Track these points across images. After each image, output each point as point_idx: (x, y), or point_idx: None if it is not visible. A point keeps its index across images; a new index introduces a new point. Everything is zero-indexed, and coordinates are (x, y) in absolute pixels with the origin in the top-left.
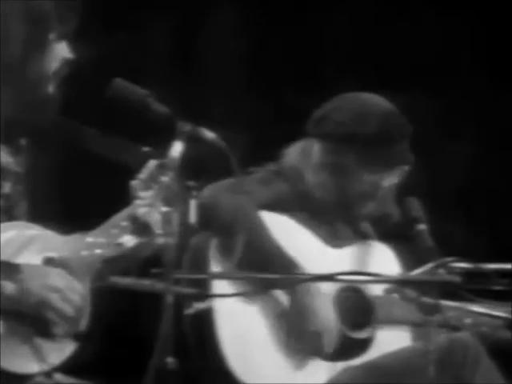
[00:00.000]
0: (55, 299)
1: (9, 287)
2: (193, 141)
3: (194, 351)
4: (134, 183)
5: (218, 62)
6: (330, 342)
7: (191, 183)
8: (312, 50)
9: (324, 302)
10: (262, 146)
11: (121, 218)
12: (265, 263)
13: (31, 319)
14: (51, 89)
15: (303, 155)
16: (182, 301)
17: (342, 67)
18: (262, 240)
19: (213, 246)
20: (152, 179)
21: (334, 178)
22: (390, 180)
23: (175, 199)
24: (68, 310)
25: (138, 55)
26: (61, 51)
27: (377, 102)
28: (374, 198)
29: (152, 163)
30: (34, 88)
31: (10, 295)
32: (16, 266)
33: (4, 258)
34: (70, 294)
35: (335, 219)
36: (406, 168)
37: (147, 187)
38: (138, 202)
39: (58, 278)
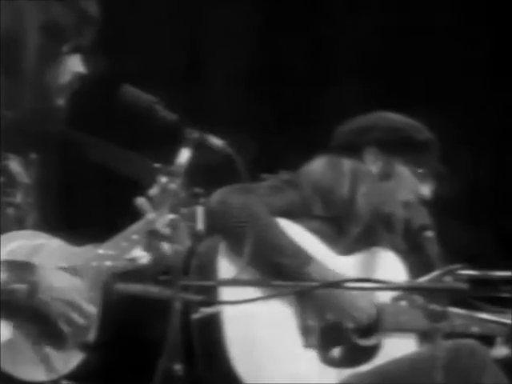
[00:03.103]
0: (70, 313)
1: (21, 291)
2: (200, 148)
3: (201, 356)
4: (140, 200)
5: (225, 69)
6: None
7: (198, 190)
8: (323, 59)
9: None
10: (269, 153)
11: (132, 232)
12: (278, 259)
13: (41, 328)
14: (61, 101)
15: (333, 169)
16: (189, 307)
17: (350, 75)
18: (274, 236)
19: (223, 247)
20: (163, 194)
21: (380, 187)
22: (427, 193)
23: (182, 206)
24: (82, 321)
25: (146, 63)
26: (73, 65)
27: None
28: (413, 207)
29: (162, 180)
30: (43, 99)
31: (22, 299)
32: (29, 265)
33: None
34: (84, 305)
35: (351, 230)
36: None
37: (158, 203)
38: (151, 216)
39: (74, 292)
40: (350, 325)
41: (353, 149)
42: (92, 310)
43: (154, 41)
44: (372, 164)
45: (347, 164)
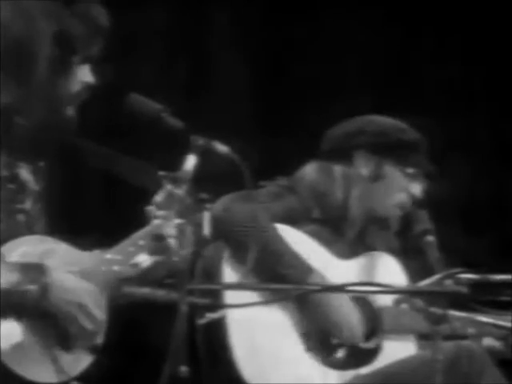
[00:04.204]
0: (79, 316)
1: (32, 292)
2: (206, 154)
3: (206, 360)
4: (150, 208)
5: (231, 77)
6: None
7: (204, 195)
8: (325, 67)
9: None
10: (273, 160)
11: (139, 237)
12: (279, 269)
13: (52, 331)
14: (71, 111)
15: (325, 174)
16: (195, 311)
17: (347, 82)
18: (276, 246)
19: (226, 254)
20: (168, 200)
21: (372, 189)
22: (418, 191)
23: (189, 211)
24: (90, 326)
25: (151, 72)
26: (83, 75)
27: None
28: (407, 208)
29: (168, 186)
30: (54, 109)
31: (34, 300)
32: (40, 267)
33: None
34: (94, 310)
35: (348, 232)
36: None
37: (164, 208)
38: (157, 221)
39: (85, 296)
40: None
41: (342, 153)
42: (100, 315)
43: (159, 49)
44: (362, 167)
45: (337, 169)
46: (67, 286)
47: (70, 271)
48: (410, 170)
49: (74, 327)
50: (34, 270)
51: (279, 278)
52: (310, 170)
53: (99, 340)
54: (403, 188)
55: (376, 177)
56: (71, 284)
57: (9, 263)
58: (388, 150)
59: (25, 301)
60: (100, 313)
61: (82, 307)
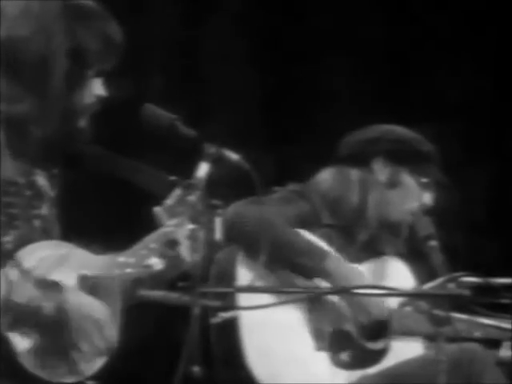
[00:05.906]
0: (95, 335)
1: (48, 307)
2: (218, 162)
3: (219, 360)
4: (158, 209)
5: (241, 86)
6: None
7: (216, 202)
8: (337, 74)
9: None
10: (283, 168)
11: (150, 241)
12: (294, 258)
13: (60, 342)
14: (83, 123)
15: (341, 178)
16: (208, 312)
17: (356, 88)
18: (288, 238)
19: (241, 255)
20: (179, 205)
21: (388, 195)
22: (429, 200)
23: (201, 217)
24: (101, 345)
25: (163, 80)
26: (96, 88)
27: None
28: (417, 216)
29: (178, 191)
30: (68, 120)
31: (49, 316)
32: (58, 285)
33: (39, 274)
34: (107, 331)
35: (359, 237)
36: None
37: (174, 213)
38: (169, 225)
39: (100, 316)
40: (363, 323)
41: (361, 159)
42: (113, 337)
43: (169, 59)
44: (380, 173)
45: (355, 174)
46: (83, 305)
47: (83, 274)
48: (424, 180)
49: (85, 345)
50: (50, 288)
51: (296, 268)
52: (325, 176)
53: (113, 343)
54: (416, 196)
55: (392, 183)
56: (88, 303)
57: (27, 275)
58: (405, 158)
59: (38, 316)
60: (112, 334)
61: (96, 326)
